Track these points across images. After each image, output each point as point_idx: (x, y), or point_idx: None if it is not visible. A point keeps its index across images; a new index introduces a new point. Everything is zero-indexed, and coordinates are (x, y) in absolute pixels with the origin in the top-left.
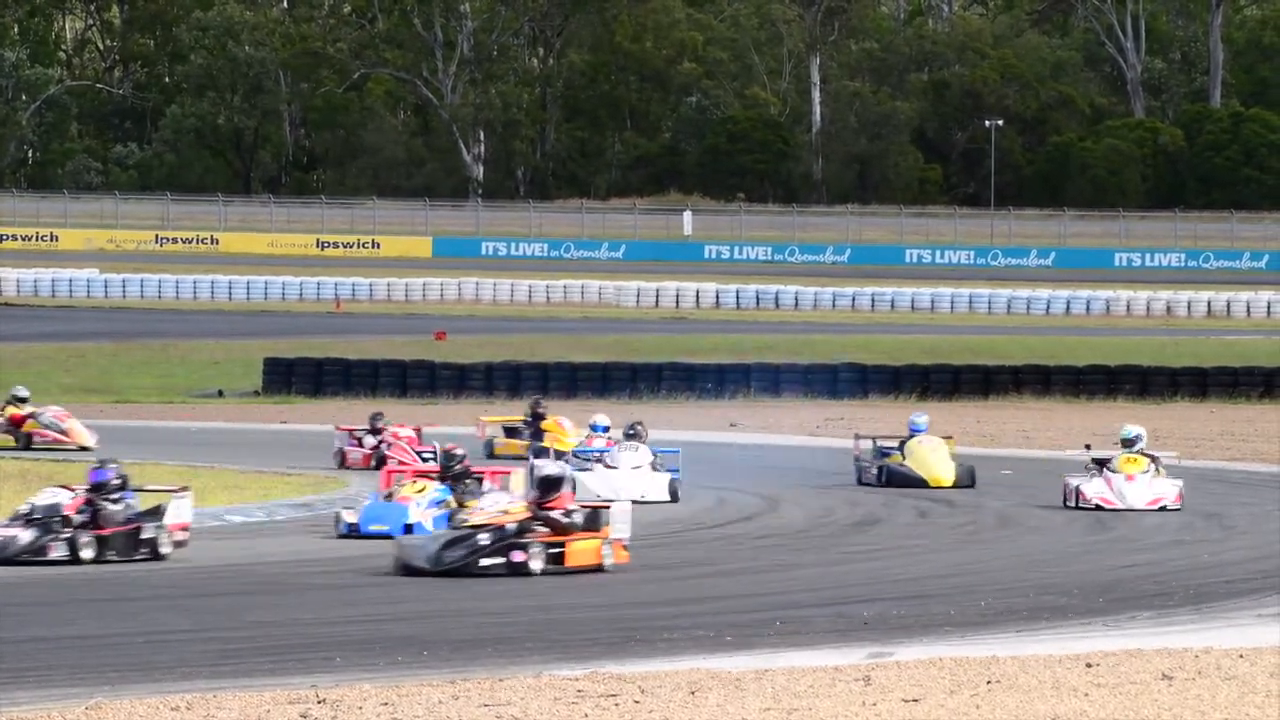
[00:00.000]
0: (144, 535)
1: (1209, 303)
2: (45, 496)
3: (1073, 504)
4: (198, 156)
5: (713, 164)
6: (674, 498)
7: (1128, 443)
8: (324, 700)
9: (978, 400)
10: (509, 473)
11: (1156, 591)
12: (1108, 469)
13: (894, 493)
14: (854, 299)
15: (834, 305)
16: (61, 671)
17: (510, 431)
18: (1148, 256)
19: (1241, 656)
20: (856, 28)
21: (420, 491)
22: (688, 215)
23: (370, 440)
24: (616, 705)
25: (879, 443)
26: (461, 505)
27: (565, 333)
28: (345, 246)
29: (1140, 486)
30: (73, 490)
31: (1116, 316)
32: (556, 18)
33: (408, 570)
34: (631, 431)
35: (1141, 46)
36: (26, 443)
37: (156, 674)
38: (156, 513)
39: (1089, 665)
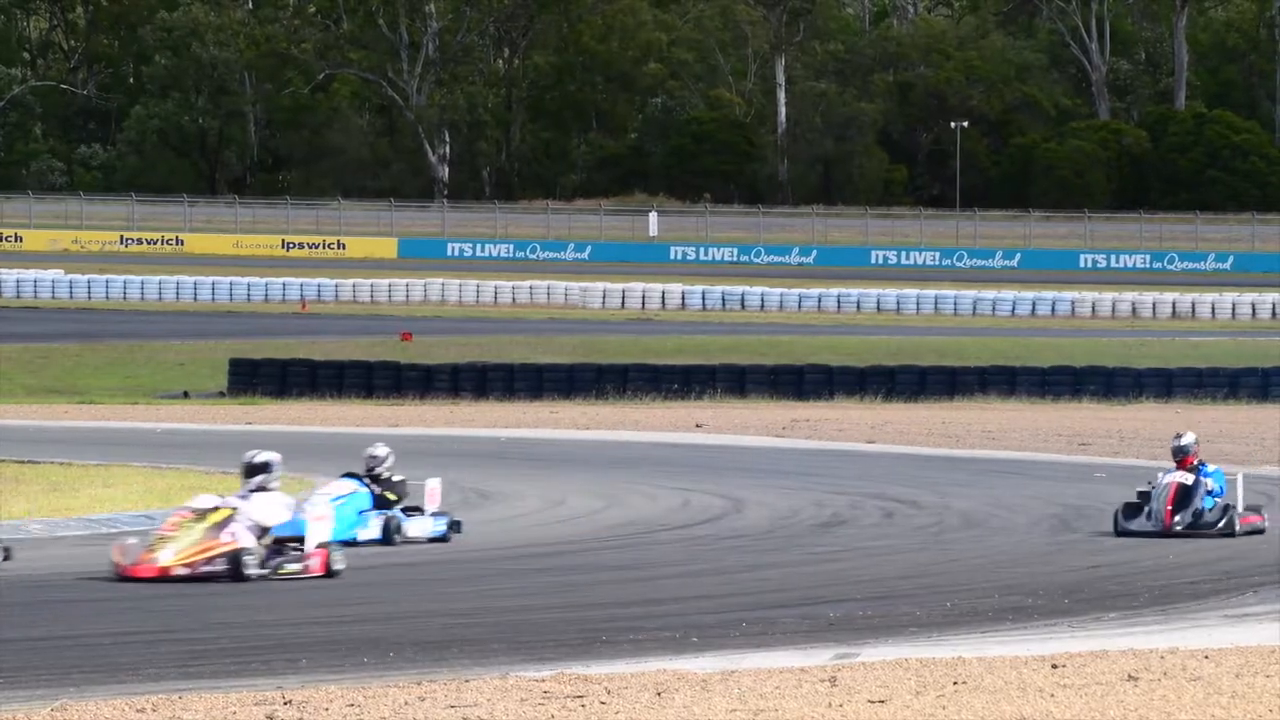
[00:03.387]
0: None
1: (1174, 304)
2: None
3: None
4: (162, 157)
5: (678, 165)
6: None
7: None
8: (290, 701)
9: (943, 401)
10: None
11: (1122, 592)
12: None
13: (859, 493)
14: (820, 300)
15: (800, 306)
16: (26, 673)
17: None
18: (1113, 258)
19: (1207, 657)
20: (821, 29)
21: None
22: (653, 216)
23: None
24: (583, 706)
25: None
26: None
27: (531, 333)
28: (311, 247)
29: None
30: None
31: (1082, 318)
32: (521, 19)
33: None
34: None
35: (1106, 48)
36: None
37: (122, 675)
38: None
39: (1055, 666)
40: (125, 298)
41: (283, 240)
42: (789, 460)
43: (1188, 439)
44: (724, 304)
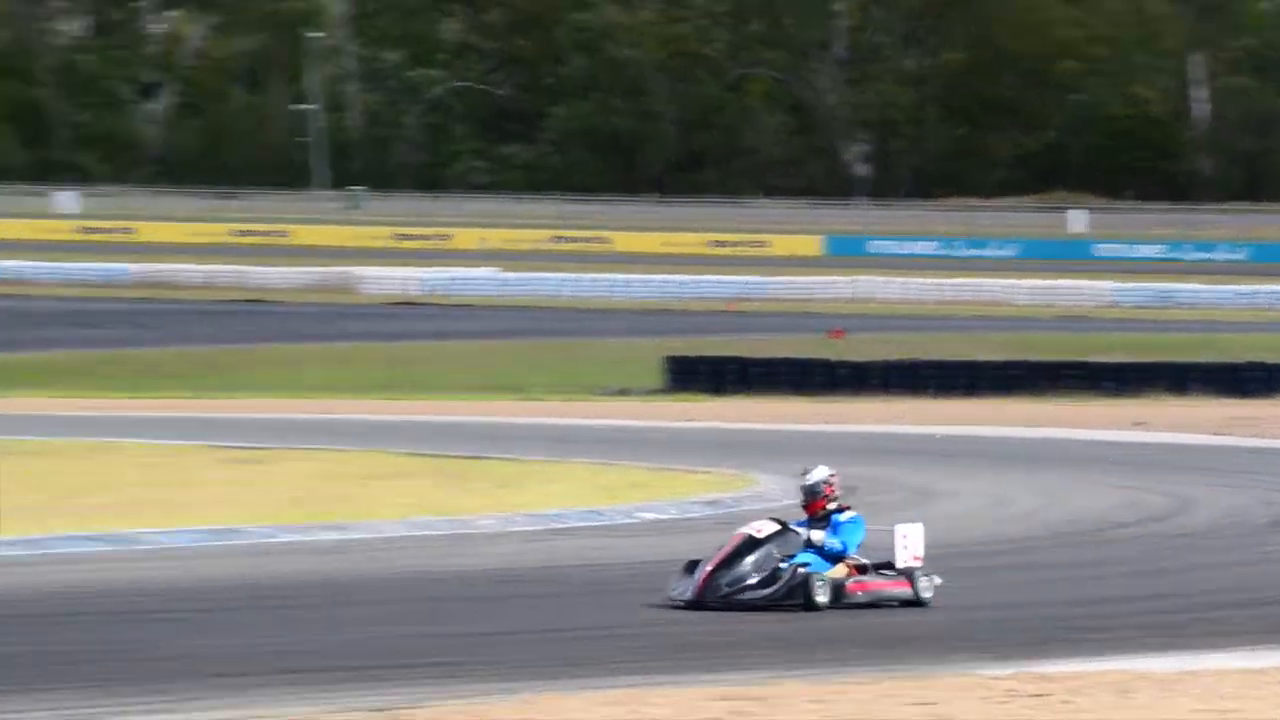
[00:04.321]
0: None
1: None
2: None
3: None
4: (582, 157)
5: (1098, 162)
6: None
7: None
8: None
9: None
10: None
11: None
12: None
13: None
14: (1253, 297)
15: (1233, 304)
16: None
17: None
18: None
19: None
20: (1237, 24)
21: None
22: (1076, 213)
23: None
24: (1045, 705)
25: None
26: None
27: (958, 330)
28: (734, 245)
29: None
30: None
31: None
32: (929, 17)
33: None
34: None
35: None
36: None
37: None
38: None
39: None
40: (560, 295)
41: (709, 238)
42: (1231, 459)
43: (815, 475)
44: (1154, 301)
